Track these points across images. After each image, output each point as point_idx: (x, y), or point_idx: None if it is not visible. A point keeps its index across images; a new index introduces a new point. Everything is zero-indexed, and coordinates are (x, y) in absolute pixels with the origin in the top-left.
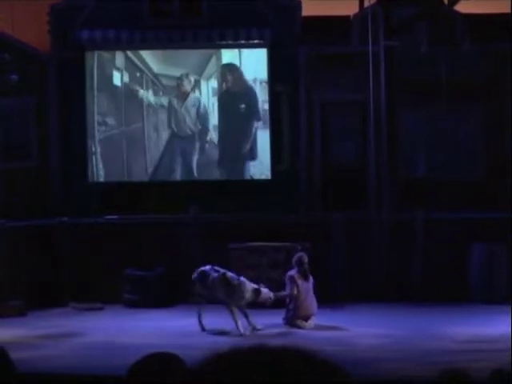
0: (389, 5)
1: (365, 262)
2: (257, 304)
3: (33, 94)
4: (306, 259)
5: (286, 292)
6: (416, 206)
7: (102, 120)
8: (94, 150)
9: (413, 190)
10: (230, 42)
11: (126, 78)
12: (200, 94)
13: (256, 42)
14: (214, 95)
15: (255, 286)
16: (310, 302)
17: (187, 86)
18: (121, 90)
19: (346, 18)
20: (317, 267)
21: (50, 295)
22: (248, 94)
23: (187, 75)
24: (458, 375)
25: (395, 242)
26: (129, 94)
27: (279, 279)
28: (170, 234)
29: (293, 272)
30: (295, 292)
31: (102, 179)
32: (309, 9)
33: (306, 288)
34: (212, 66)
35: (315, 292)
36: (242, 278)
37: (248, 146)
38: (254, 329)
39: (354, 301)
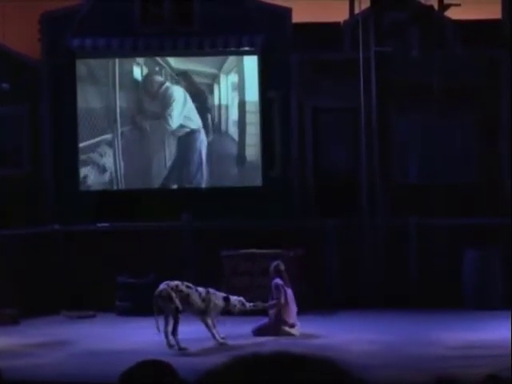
0: (380, 11)
1: (358, 267)
2: (227, 312)
3: (25, 102)
4: (282, 267)
5: (273, 301)
6: (409, 211)
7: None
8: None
9: (406, 195)
10: (221, 48)
11: (146, 71)
12: (219, 88)
13: (247, 49)
14: (233, 90)
15: (224, 294)
16: (294, 309)
17: (206, 81)
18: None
19: (337, 24)
20: (310, 273)
21: (43, 303)
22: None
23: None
24: (451, 381)
25: (388, 247)
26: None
27: (270, 287)
28: (163, 242)
29: (278, 280)
30: (283, 301)
31: (123, 186)
32: (300, 16)
33: (290, 295)
34: (232, 61)
35: (305, 298)
36: (211, 290)
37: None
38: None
39: (348, 307)
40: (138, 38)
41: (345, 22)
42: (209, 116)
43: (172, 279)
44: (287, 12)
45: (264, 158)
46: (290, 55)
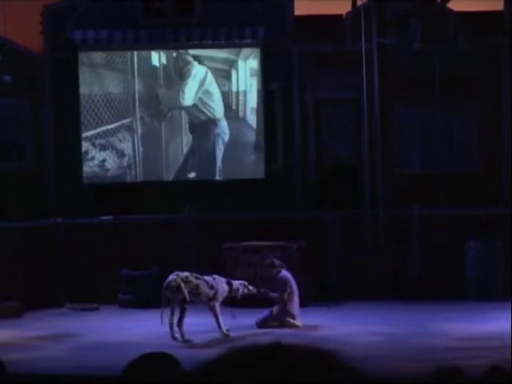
0: (381, 3)
1: (360, 259)
2: (231, 299)
3: (26, 95)
4: (276, 262)
5: (277, 294)
6: (411, 202)
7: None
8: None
9: (408, 186)
10: (222, 41)
11: (164, 60)
12: (237, 74)
13: (249, 41)
14: (252, 76)
15: (226, 279)
16: (297, 300)
17: (224, 67)
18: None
19: (339, 16)
20: (312, 265)
21: (46, 296)
22: None
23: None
24: (453, 372)
25: (391, 238)
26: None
27: (274, 278)
28: (165, 234)
29: (286, 273)
30: (285, 297)
31: (140, 171)
32: (302, 8)
33: (295, 287)
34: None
35: (308, 290)
36: (216, 276)
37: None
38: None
39: (350, 298)
40: (140, 30)
41: (347, 13)
42: (226, 102)
43: (174, 271)
44: (289, 4)
45: (266, 149)
46: (292, 47)
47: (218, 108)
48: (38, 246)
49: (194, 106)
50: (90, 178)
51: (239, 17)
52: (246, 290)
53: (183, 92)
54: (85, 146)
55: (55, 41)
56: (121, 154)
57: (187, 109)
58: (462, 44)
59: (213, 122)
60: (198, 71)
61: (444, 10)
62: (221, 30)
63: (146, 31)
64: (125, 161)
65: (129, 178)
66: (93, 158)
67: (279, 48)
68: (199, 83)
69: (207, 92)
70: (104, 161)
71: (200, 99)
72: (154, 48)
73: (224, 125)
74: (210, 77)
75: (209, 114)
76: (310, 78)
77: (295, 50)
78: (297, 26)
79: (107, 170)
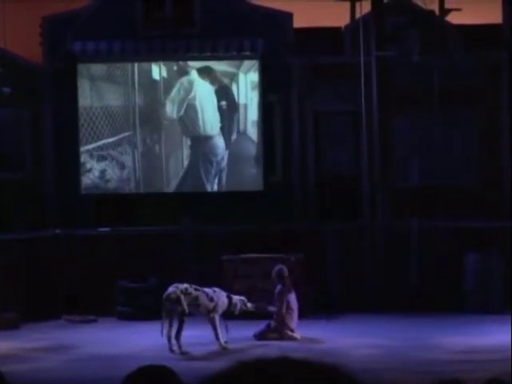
0: (380, 15)
1: (359, 271)
2: (228, 314)
3: (26, 106)
4: (285, 272)
5: (275, 308)
6: (410, 214)
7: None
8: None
9: (407, 198)
10: (222, 53)
11: (164, 72)
12: (237, 87)
13: (248, 53)
14: (252, 89)
15: (226, 293)
16: (296, 313)
17: (225, 80)
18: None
19: (338, 28)
20: (311, 277)
21: (43, 307)
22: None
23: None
24: None
25: (389, 250)
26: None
27: (272, 291)
28: (163, 246)
29: (283, 288)
30: (284, 310)
31: (140, 184)
32: (301, 20)
33: (294, 300)
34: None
35: (307, 302)
36: (216, 288)
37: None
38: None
39: (349, 311)
40: (140, 41)
41: (346, 26)
42: (226, 116)
43: (173, 283)
44: (288, 16)
45: (265, 162)
46: (291, 59)
47: (211, 125)
48: (36, 257)
49: (181, 120)
50: (89, 189)
51: (239, 29)
52: (244, 307)
53: (165, 105)
54: (84, 157)
55: (55, 52)
56: (121, 167)
57: (179, 122)
58: (461, 56)
59: (199, 141)
60: (185, 82)
61: (442, 22)
62: (220, 41)
63: (146, 42)
64: (125, 173)
65: (128, 190)
66: (92, 170)
67: (278, 60)
68: (183, 96)
69: (193, 106)
70: (103, 172)
71: (187, 114)
72: (154, 59)
73: (215, 144)
74: (201, 89)
75: (196, 131)
76: (309, 90)
77: (294, 62)
78: (296, 38)
79: (107, 181)
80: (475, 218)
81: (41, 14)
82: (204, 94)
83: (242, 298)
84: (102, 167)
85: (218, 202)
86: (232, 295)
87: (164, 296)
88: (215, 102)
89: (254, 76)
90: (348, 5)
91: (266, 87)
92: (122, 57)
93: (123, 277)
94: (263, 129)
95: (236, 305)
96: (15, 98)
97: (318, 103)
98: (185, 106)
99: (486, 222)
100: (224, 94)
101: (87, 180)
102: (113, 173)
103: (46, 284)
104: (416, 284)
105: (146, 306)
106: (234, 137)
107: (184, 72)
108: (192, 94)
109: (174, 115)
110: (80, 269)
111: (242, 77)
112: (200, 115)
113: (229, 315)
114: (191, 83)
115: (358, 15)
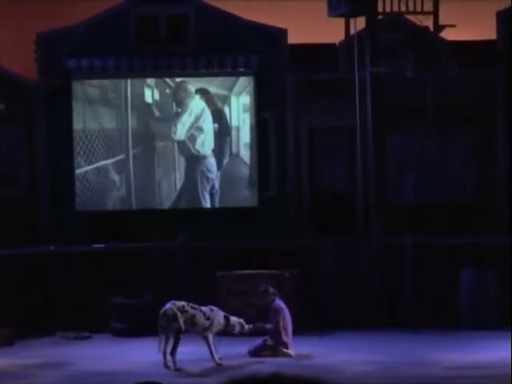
0: (375, 32)
1: (354, 287)
2: (226, 333)
3: (20, 123)
4: (271, 289)
5: (270, 324)
6: (404, 230)
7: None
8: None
9: (401, 214)
10: (216, 69)
11: (157, 96)
12: (230, 110)
13: (243, 69)
14: (244, 111)
15: (224, 314)
16: (290, 329)
17: (217, 102)
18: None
19: (333, 45)
20: (306, 293)
21: (38, 324)
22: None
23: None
24: None
25: (384, 267)
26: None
27: (267, 306)
28: (158, 262)
29: (279, 303)
30: (281, 324)
31: (133, 205)
32: (295, 36)
33: (288, 316)
34: (243, 81)
35: (301, 318)
36: (214, 307)
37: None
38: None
39: (343, 326)
40: (134, 58)
41: (340, 42)
42: (219, 138)
43: (167, 300)
44: (283, 33)
45: (260, 178)
46: (286, 75)
47: (207, 145)
48: (30, 274)
49: (183, 141)
50: (83, 206)
51: (233, 45)
52: (242, 330)
53: (175, 127)
54: (78, 176)
55: (49, 69)
56: (116, 186)
57: (178, 143)
58: (455, 73)
59: (196, 159)
60: (195, 106)
61: (437, 39)
62: (214, 58)
63: (140, 60)
64: (118, 194)
65: (122, 208)
66: (86, 187)
67: (273, 76)
68: (194, 120)
69: (200, 129)
70: (98, 190)
71: (191, 135)
72: (148, 76)
73: (210, 162)
74: (206, 113)
75: (193, 150)
76: (303, 106)
77: (289, 78)
78: (291, 54)
79: (101, 199)
80: (470, 234)
81: (35, 31)
82: (209, 117)
83: (241, 320)
84: (96, 185)
85: (212, 219)
86: (230, 316)
87: (161, 312)
88: (212, 124)
89: (245, 99)
90: (342, 21)
91: (260, 103)
92: (116, 74)
93: (118, 293)
94: (258, 146)
95: (234, 327)
96: (10, 115)
97: (313, 119)
98: (194, 128)
99: (481, 238)
100: (217, 117)
101: (81, 197)
102: (107, 191)
103: (41, 300)
104: (410, 300)
105: (140, 323)
106: (226, 160)
107: (184, 89)
108: (202, 119)
109: (183, 137)
110: (74, 285)
111: (234, 100)
112: (202, 136)
113: (225, 333)
114: (202, 109)
115: (352, 31)
